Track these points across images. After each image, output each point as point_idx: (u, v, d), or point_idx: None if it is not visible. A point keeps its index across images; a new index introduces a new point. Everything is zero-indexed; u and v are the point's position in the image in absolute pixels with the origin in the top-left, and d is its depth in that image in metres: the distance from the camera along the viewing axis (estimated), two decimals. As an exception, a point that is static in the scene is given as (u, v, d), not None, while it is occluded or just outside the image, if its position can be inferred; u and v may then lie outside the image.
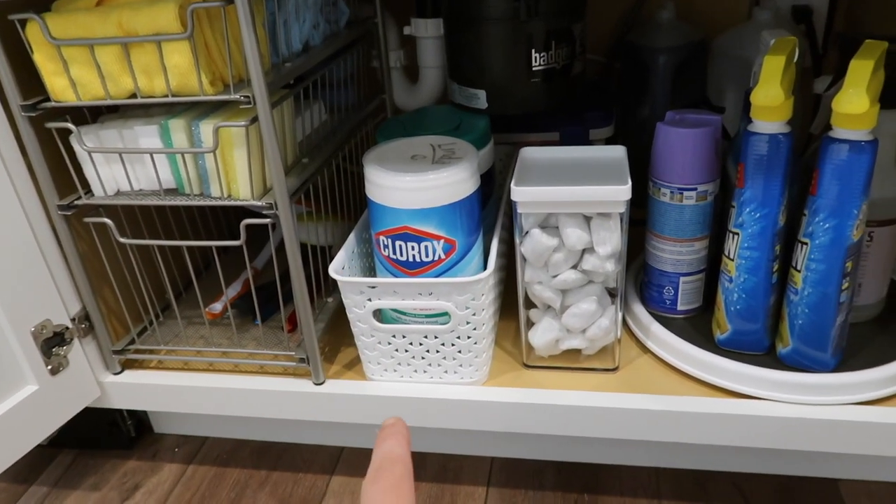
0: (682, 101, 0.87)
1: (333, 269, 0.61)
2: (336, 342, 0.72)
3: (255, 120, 0.55)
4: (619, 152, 0.63)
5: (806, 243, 0.55)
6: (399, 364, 0.64)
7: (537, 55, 0.69)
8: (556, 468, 0.73)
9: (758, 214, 0.56)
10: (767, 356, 0.61)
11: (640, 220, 0.68)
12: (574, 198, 0.57)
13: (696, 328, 0.66)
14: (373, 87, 0.89)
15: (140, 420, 0.83)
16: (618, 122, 0.88)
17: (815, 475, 0.69)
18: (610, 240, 0.58)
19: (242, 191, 0.59)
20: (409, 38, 0.86)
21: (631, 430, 0.61)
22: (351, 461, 0.77)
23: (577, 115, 0.80)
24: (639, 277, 0.73)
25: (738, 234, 0.57)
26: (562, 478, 0.72)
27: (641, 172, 0.65)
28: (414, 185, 0.57)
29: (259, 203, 0.59)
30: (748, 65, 0.72)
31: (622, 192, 0.56)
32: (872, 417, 0.56)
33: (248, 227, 0.59)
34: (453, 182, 0.58)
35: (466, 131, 0.69)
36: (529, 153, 0.65)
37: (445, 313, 0.61)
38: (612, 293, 0.63)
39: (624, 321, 0.71)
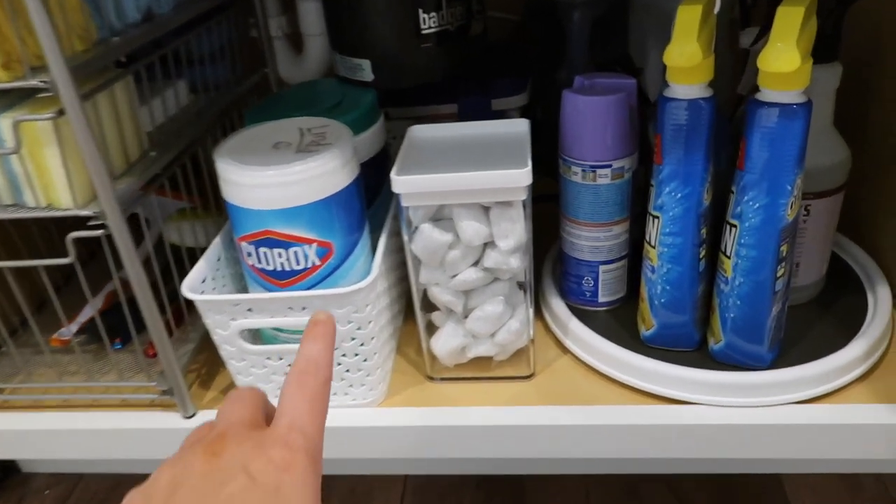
0: (601, 61, 0.78)
1: (188, 286, 0.51)
2: (215, 362, 0.62)
3: (64, 111, 0.44)
4: (521, 127, 0.54)
5: (735, 226, 0.47)
6: (279, 389, 0.55)
7: (426, 16, 0.59)
8: (476, 483, 0.65)
9: (679, 195, 0.48)
10: (698, 353, 0.54)
11: (558, 196, 0.59)
12: (465, 185, 0.48)
13: (621, 322, 0.58)
14: (255, 60, 0.78)
15: (4, 460, 0.72)
16: (534, 88, 0.79)
17: (755, 472, 0.63)
18: (512, 232, 0.50)
19: (63, 198, 0.48)
20: (292, 2, 0.75)
21: (550, 448, 0.53)
22: (248, 491, 0.68)
23: (482, 83, 0.71)
24: (556, 266, 0.65)
25: (658, 217, 0.49)
26: (482, 494, 0.64)
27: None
28: (272, 180, 0.47)
29: (84, 213, 0.48)
30: (672, 19, 0.64)
31: (521, 176, 0.47)
32: (814, 418, 0.50)
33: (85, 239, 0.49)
34: (322, 174, 0.48)
35: (348, 109, 0.59)
36: (418, 132, 0.55)
37: (327, 328, 0.51)
38: (522, 288, 0.55)
39: (541, 316, 0.63)
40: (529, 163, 0.47)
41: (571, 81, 0.60)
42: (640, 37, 0.77)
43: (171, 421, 0.56)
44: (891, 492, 0.61)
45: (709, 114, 0.46)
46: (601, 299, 0.59)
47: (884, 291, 0.57)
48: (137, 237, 0.50)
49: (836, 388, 0.51)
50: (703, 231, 0.49)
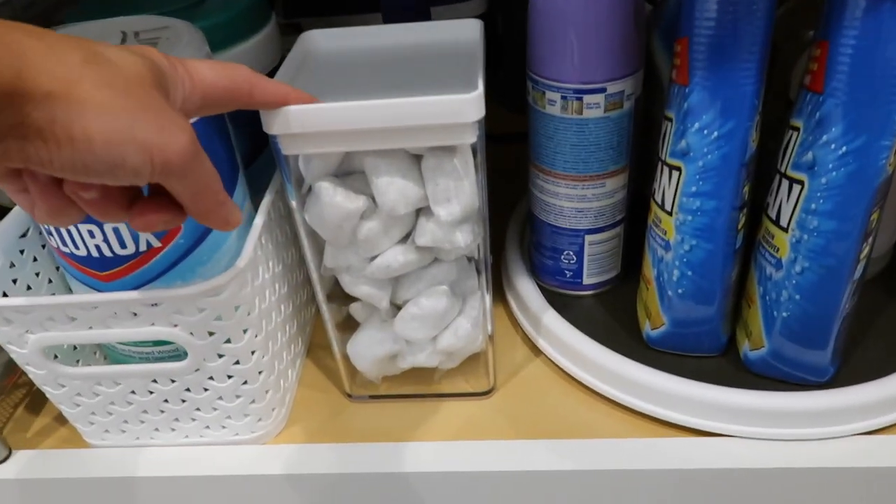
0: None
1: (-45, 282, 0.32)
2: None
3: None
4: (469, 31, 0.36)
5: (801, 182, 0.30)
6: (126, 422, 0.38)
7: None
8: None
9: (715, 133, 0.31)
10: (724, 359, 0.38)
11: (523, 134, 0.41)
12: (382, 122, 0.30)
13: (613, 312, 0.42)
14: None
15: None
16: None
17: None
18: (457, 193, 0.32)
19: None
20: None
21: (515, 499, 0.37)
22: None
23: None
24: (525, 233, 0.48)
25: (679, 168, 0.32)
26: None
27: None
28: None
29: None
30: None
31: (468, 105, 0.29)
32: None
33: None
34: (149, 104, 0.30)
35: (215, 8, 0.40)
36: (316, 41, 0.37)
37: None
38: (476, 267, 0.38)
39: (504, 302, 0.46)
40: (481, 84, 0.30)
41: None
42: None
43: (-30, 469, 0.39)
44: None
45: (768, 3, 0.29)
46: (587, 280, 0.43)
47: (975, 266, 0.42)
48: None
49: (921, 411, 0.36)
50: (746, 189, 0.33)
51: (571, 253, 0.42)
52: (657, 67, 0.43)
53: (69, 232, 0.32)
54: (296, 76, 0.34)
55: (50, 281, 0.38)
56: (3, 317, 0.32)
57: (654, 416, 0.37)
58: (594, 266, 0.42)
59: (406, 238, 0.35)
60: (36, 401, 0.44)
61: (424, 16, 0.50)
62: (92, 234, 0.32)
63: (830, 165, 0.29)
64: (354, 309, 0.40)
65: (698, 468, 0.35)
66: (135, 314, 0.32)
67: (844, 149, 0.28)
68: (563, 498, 0.37)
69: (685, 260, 0.34)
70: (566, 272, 0.43)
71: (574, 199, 0.39)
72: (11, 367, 0.43)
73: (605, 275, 0.43)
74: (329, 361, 0.44)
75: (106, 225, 0.31)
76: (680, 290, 0.35)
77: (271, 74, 0.43)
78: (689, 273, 0.34)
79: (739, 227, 0.34)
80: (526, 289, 0.43)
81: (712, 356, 0.38)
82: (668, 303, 0.36)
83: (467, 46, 0.35)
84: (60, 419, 0.42)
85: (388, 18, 0.48)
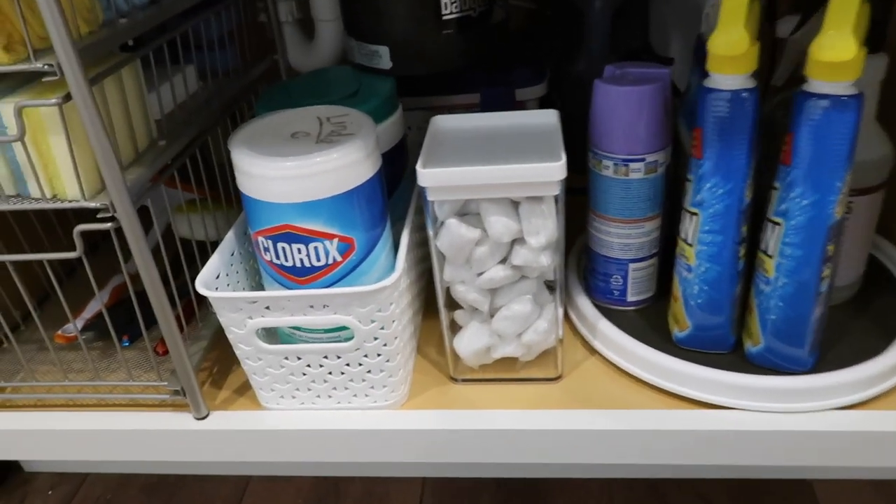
0: (622, 51, 0.75)
1: (203, 282, 0.48)
2: (228, 360, 0.60)
3: (70, 96, 0.42)
4: (550, 118, 0.52)
5: (779, 224, 0.45)
6: (297, 390, 0.53)
7: (447, 1, 0.56)
8: (496, 486, 0.63)
9: (720, 191, 0.46)
10: (733, 355, 0.52)
11: (581, 189, 0.56)
12: (495, 180, 0.45)
13: (650, 322, 0.56)
14: (264, 47, 0.75)
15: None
16: (552, 78, 0.77)
17: (785, 477, 0.61)
18: (543, 228, 0.47)
19: (69, 189, 0.46)
20: (303, -14, 0.72)
21: (577, 453, 0.51)
22: (260, 494, 0.65)
23: (502, 72, 0.68)
24: (582, 262, 0.62)
25: (696, 214, 0.47)
26: (501, 496, 0.62)
27: (580, 136, 0.54)
28: (293, 172, 0.44)
29: (93, 204, 0.45)
30: (696, 6, 0.62)
31: (555, 170, 0.44)
32: (856, 425, 0.48)
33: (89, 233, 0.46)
34: (345, 165, 0.46)
35: (366, 98, 0.57)
36: (442, 123, 0.53)
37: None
38: (550, 286, 0.52)
39: (567, 316, 0.60)
40: (564, 156, 0.45)
41: (591, 72, 0.57)
42: (663, 26, 0.75)
43: (182, 422, 0.54)
44: (922, 497, 0.59)
45: (753, 106, 0.44)
46: (630, 298, 0.57)
47: (924, 292, 0.55)
48: (143, 229, 0.48)
49: (877, 394, 0.49)
50: (744, 228, 0.47)
51: (619, 277, 0.56)
52: (681, 141, 0.58)
53: (283, 250, 0.47)
54: (431, 147, 0.50)
55: (243, 289, 0.54)
56: (235, 306, 0.48)
57: (680, 394, 0.51)
58: (636, 287, 0.57)
59: (504, 260, 0.50)
60: (221, 372, 0.59)
61: (511, 94, 0.66)
62: (299, 251, 0.47)
63: (797, 213, 0.43)
64: (458, 315, 0.55)
65: (712, 430, 0.49)
66: (325, 306, 0.47)
67: (804, 202, 0.43)
68: (609, 450, 0.51)
69: (702, 278, 0.48)
70: (614, 292, 0.57)
71: (621, 237, 0.54)
72: (208, 347, 0.59)
73: (644, 294, 0.57)
74: (433, 356, 0.59)
75: (310, 243, 0.47)
76: (699, 301, 0.49)
77: (401, 143, 0.60)
78: (706, 287, 0.49)
79: (741, 255, 0.48)
80: (584, 304, 0.58)
81: (724, 353, 0.52)
82: (691, 310, 0.50)
83: (548, 128, 0.51)
84: (239, 390, 0.57)
85: (484, 97, 0.64)
